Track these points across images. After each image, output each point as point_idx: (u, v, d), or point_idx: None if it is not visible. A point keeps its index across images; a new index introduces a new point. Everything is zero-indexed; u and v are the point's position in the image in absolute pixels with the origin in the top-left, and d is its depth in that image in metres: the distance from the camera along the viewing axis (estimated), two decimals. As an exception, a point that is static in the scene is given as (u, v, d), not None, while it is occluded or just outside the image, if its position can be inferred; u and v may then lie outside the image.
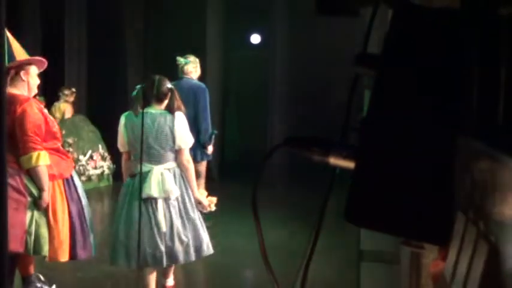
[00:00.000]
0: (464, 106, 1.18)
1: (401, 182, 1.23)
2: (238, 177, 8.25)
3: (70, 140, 10.11)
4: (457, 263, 0.91)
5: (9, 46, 4.60)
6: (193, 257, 5.03)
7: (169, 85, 5.05)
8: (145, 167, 4.86)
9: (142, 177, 4.83)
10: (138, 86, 5.07)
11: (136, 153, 4.83)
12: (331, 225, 2.45)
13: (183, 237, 4.93)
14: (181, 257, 4.94)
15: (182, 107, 5.11)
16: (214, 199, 5.53)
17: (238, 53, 9.37)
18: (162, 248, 4.80)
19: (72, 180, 4.90)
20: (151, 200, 4.82)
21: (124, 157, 5.04)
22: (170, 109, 4.98)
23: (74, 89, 10.65)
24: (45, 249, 4.70)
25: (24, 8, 10.81)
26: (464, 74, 1.24)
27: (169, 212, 4.89)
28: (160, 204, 4.86)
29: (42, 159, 4.61)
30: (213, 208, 5.52)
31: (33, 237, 4.66)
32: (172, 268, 5.35)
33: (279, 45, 10.34)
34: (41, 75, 5.03)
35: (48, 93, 10.04)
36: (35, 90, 4.89)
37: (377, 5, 1.67)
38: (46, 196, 4.66)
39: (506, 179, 0.72)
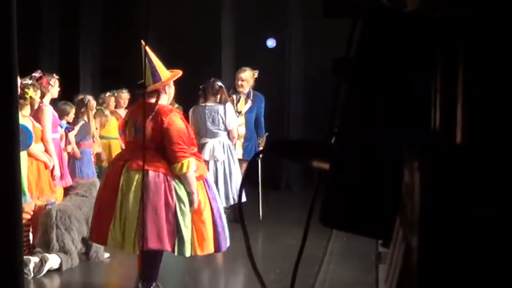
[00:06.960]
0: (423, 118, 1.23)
1: (364, 187, 1.29)
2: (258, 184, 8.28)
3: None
4: (391, 262, 0.98)
5: (154, 68, 4.94)
6: (232, 201, 7.25)
7: (219, 83, 7.27)
8: (205, 140, 7.23)
9: (203, 145, 7.21)
10: (201, 86, 7.27)
11: (198, 130, 7.09)
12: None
13: (226, 186, 7.18)
14: (224, 201, 7.01)
15: (228, 99, 7.34)
16: None
17: (254, 57, 9.42)
18: None
19: (207, 179, 5.32)
20: (204, 162, 6.44)
21: None
22: (221, 101, 7.19)
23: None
24: (188, 250, 5.02)
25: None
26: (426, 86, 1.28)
27: (216, 169, 7.23)
28: (211, 164, 7.16)
29: (191, 166, 4.99)
30: None
31: (183, 239, 4.97)
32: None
33: (294, 48, 10.40)
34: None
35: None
36: (171, 98, 5.39)
37: (359, 8, 1.70)
38: (196, 198, 5.01)
39: (411, 185, 0.79)
